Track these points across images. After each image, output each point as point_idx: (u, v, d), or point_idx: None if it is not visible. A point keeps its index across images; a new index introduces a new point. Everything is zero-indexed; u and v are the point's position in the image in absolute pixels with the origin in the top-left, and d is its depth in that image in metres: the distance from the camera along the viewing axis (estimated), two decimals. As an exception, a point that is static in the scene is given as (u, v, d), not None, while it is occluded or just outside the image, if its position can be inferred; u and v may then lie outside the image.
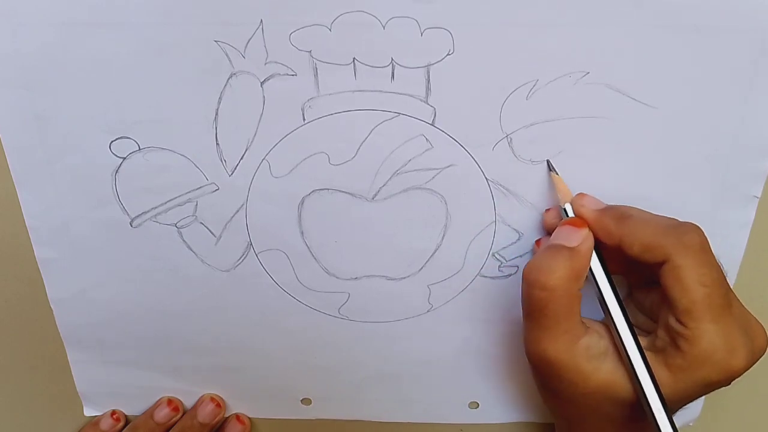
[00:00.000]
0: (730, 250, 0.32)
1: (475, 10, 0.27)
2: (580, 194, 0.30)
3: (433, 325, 0.35)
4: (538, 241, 0.32)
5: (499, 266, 0.33)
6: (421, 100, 0.29)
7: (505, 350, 0.36)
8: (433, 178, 0.31)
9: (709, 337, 0.26)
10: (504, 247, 0.33)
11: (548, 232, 0.31)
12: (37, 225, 0.33)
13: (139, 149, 0.31)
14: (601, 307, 0.28)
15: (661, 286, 0.27)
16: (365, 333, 0.36)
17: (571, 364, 0.27)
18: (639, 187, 0.31)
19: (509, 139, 0.30)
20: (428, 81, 0.29)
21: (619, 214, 0.28)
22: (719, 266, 0.27)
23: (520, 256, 0.33)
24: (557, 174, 0.30)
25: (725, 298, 0.26)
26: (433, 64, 0.28)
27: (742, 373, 0.27)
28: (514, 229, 0.32)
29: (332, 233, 0.33)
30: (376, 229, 0.32)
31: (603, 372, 0.27)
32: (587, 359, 0.27)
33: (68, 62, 0.29)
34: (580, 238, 0.28)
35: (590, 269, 0.28)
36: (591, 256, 0.28)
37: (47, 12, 0.28)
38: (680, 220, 0.28)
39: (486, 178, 0.31)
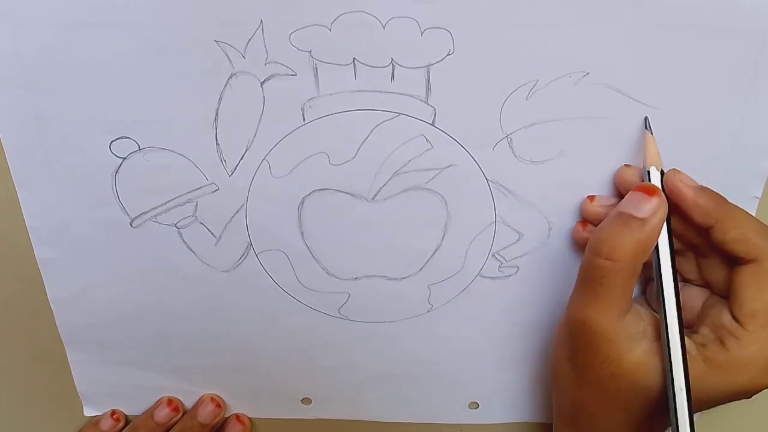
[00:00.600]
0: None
1: (475, 10, 0.27)
2: (676, 170, 0.28)
3: (433, 325, 0.35)
4: (591, 197, 0.31)
5: (499, 266, 0.33)
6: (421, 100, 0.29)
7: (505, 350, 0.36)
8: (434, 178, 0.31)
9: (763, 345, 0.26)
10: (504, 248, 0.33)
11: (619, 189, 0.30)
12: (37, 225, 0.33)
13: (139, 149, 0.31)
14: (656, 281, 0.27)
15: (733, 283, 0.27)
16: (365, 333, 0.36)
17: (612, 336, 0.27)
18: (639, 187, 0.31)
19: (509, 140, 0.30)
20: (428, 81, 0.29)
21: (719, 196, 0.27)
22: None
23: (520, 256, 0.33)
24: (652, 133, 0.28)
25: None
26: (433, 64, 0.28)
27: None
28: (514, 230, 0.32)
29: (332, 233, 0.33)
30: (376, 229, 0.32)
31: (636, 353, 0.27)
32: (626, 336, 0.27)
33: (68, 62, 0.29)
34: (651, 209, 0.26)
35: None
36: (661, 228, 0.27)
37: (47, 12, 0.28)
38: None
39: (486, 179, 0.31)
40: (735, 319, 0.26)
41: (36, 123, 0.30)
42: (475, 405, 0.38)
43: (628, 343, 0.27)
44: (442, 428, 0.39)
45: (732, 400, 0.27)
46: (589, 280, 0.27)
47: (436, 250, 0.33)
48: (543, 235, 0.32)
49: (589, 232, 0.31)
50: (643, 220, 0.26)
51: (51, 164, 0.31)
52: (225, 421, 0.39)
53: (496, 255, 0.33)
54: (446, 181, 0.31)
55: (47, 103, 0.30)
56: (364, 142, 0.30)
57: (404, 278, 0.34)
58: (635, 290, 0.32)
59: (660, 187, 0.28)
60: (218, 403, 0.38)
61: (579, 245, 0.32)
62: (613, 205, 0.29)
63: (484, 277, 0.34)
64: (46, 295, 0.35)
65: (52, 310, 0.36)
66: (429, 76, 0.29)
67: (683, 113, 0.29)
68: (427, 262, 0.33)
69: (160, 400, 0.39)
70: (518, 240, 0.32)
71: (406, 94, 0.29)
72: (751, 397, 0.27)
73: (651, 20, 0.27)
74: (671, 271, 0.27)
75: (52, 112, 0.30)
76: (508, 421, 0.39)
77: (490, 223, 0.32)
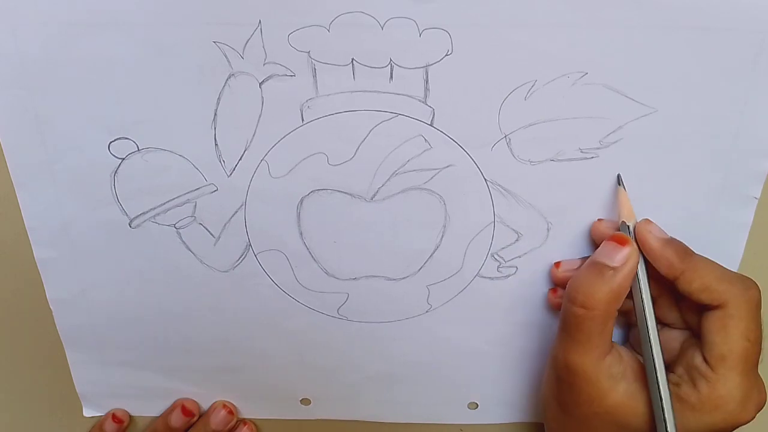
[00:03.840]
0: (729, 250, 0.32)
1: (474, 11, 0.27)
2: (647, 220, 0.29)
3: (432, 326, 0.35)
4: (557, 264, 0.33)
5: (498, 267, 0.33)
6: (419, 101, 0.29)
7: (505, 350, 0.36)
8: (432, 178, 0.31)
9: (732, 387, 0.27)
10: (503, 248, 0.33)
11: (594, 240, 0.32)
12: (36, 225, 0.33)
13: (138, 150, 0.31)
14: (639, 328, 0.29)
15: (701, 328, 0.28)
16: (364, 333, 0.36)
17: (594, 378, 0.28)
18: (638, 187, 0.31)
19: (508, 140, 0.30)
20: (427, 81, 0.29)
21: (684, 248, 0.29)
22: (761, 326, 0.28)
23: (519, 256, 0.33)
24: (624, 189, 0.30)
25: (757, 358, 0.28)
26: (432, 64, 0.28)
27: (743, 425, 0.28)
28: (513, 230, 0.32)
29: (331, 233, 0.33)
30: (375, 230, 0.32)
31: (618, 393, 0.28)
32: (608, 377, 0.28)
33: (68, 62, 0.29)
34: (623, 257, 0.28)
35: (637, 286, 0.29)
36: (632, 276, 0.28)
37: (47, 12, 0.28)
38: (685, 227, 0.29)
39: (485, 179, 0.31)
40: (706, 361, 0.28)
41: (35, 123, 0.30)
42: (474, 405, 0.38)
43: (609, 383, 0.28)
44: (441, 428, 0.39)
45: None
46: (568, 326, 0.28)
47: (434, 251, 0.33)
48: (542, 235, 0.32)
49: (558, 297, 0.33)
50: (615, 269, 0.28)
51: (50, 164, 0.31)
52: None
53: (494, 255, 0.33)
54: (445, 182, 0.31)
55: (47, 103, 0.30)
56: (362, 142, 0.30)
57: (403, 278, 0.34)
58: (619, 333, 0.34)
59: (633, 238, 0.29)
60: (230, 410, 0.39)
61: (554, 310, 0.34)
62: (578, 269, 0.31)
63: (483, 277, 0.34)
64: (46, 295, 0.35)
65: (51, 311, 0.36)
66: (427, 77, 0.29)
67: (682, 114, 0.29)
68: (426, 262, 0.33)
69: (174, 403, 0.39)
70: (517, 240, 0.32)
71: (404, 95, 0.29)
72: None
73: (649, 21, 0.27)
74: (651, 316, 0.28)
75: (52, 112, 0.30)
76: (507, 421, 0.39)
77: (488, 223, 0.32)
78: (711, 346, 0.27)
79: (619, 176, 0.30)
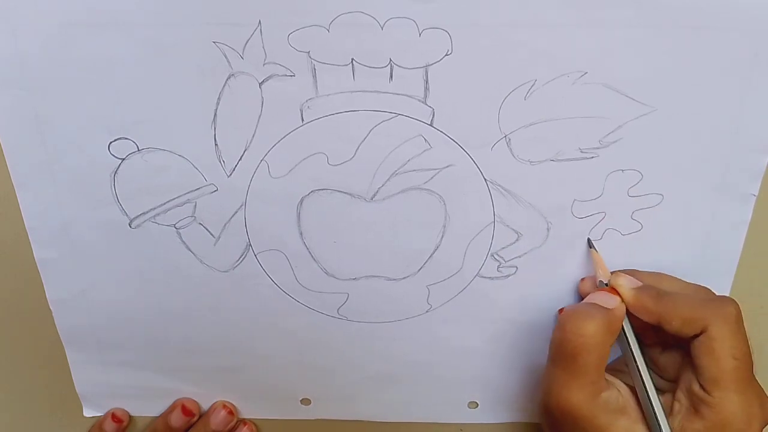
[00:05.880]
0: (727, 248, 0.33)
1: (474, 11, 0.27)
2: (617, 273, 0.31)
3: (432, 326, 0.35)
4: (561, 310, 0.33)
5: (498, 267, 0.33)
6: (419, 101, 0.29)
7: (504, 350, 0.36)
8: (432, 178, 0.31)
9: (732, 407, 0.27)
10: (503, 248, 0.33)
11: (582, 295, 0.33)
12: (36, 225, 0.33)
13: (138, 150, 0.31)
14: (629, 367, 0.30)
15: (690, 354, 0.28)
16: (364, 333, 0.36)
17: (590, 415, 0.28)
18: (637, 186, 0.31)
19: (507, 140, 0.30)
20: (426, 81, 0.29)
21: (656, 292, 0.29)
22: (747, 339, 0.28)
23: (519, 256, 0.33)
24: (597, 252, 0.32)
25: (750, 371, 0.28)
26: (432, 64, 0.28)
27: None
28: (513, 230, 0.32)
29: (331, 233, 0.33)
30: (375, 230, 0.33)
31: (617, 428, 0.28)
32: (605, 412, 0.28)
33: (68, 62, 0.29)
34: (616, 302, 0.30)
35: (622, 329, 0.30)
36: (623, 320, 0.30)
37: (47, 12, 0.28)
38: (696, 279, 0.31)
39: (484, 179, 0.31)
40: (702, 387, 0.28)
41: (35, 123, 0.30)
42: (474, 405, 0.38)
43: (606, 417, 0.28)
44: (441, 428, 0.39)
45: None
46: (562, 358, 0.29)
47: (434, 251, 0.33)
48: (541, 235, 0.32)
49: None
50: (609, 310, 0.29)
51: (50, 165, 0.31)
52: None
53: (494, 255, 0.33)
54: (445, 182, 0.31)
55: (47, 103, 0.30)
56: (362, 142, 0.30)
57: (403, 278, 0.34)
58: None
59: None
60: (230, 410, 0.39)
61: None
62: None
63: (483, 277, 0.34)
64: (46, 295, 0.35)
65: (51, 311, 0.36)
66: (427, 77, 0.29)
67: (681, 112, 0.29)
68: (426, 262, 0.33)
69: (174, 403, 0.39)
70: (517, 240, 0.32)
71: (404, 95, 0.29)
72: None
73: (648, 20, 0.27)
74: (643, 360, 0.30)
75: (52, 113, 0.30)
76: (507, 420, 0.39)
77: (488, 223, 0.32)
78: (702, 371, 0.28)
79: (589, 240, 0.32)
